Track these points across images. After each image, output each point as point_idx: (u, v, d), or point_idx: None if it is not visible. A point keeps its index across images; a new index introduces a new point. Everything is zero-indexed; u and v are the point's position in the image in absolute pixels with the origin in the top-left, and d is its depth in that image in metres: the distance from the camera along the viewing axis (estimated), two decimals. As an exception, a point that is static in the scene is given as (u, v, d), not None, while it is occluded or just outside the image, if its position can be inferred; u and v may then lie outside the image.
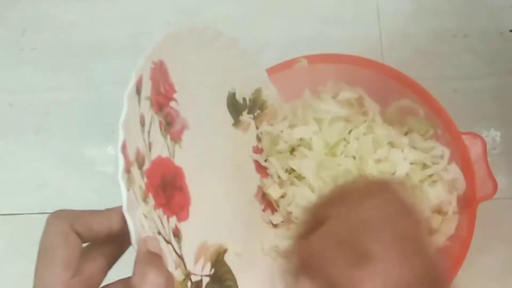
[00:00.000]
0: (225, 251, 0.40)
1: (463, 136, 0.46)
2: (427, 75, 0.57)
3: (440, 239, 0.46)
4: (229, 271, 0.40)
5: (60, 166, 0.56)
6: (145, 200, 0.29)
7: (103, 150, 0.57)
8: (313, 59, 0.49)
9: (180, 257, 0.33)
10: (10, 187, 0.56)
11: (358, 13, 0.60)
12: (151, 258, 0.23)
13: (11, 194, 0.56)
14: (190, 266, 0.34)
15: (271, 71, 0.48)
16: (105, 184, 0.55)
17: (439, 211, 0.46)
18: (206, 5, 0.61)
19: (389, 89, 0.49)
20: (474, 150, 0.45)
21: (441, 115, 0.47)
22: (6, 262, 0.54)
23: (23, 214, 0.55)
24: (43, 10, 0.62)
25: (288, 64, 0.49)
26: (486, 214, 0.54)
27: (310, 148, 0.47)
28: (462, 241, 0.44)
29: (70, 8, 0.62)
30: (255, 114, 0.48)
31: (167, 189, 0.33)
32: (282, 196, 0.47)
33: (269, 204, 0.48)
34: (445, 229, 0.46)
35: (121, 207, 0.24)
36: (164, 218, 0.31)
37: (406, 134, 0.49)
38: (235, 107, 0.45)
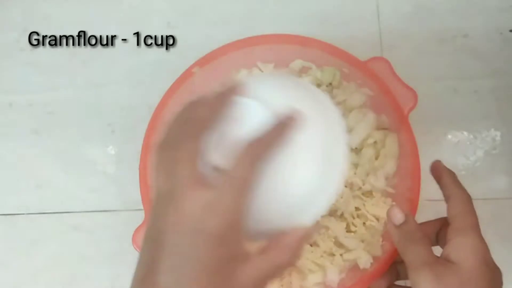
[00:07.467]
0: None
1: (368, 64, 0.48)
2: (427, 75, 0.58)
3: (389, 164, 0.48)
4: None
5: (60, 166, 0.56)
6: None
7: (103, 150, 0.57)
8: (202, 62, 0.49)
9: None
10: (10, 187, 0.56)
11: (358, 13, 0.60)
12: None
13: (11, 194, 0.56)
14: None
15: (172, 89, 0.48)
16: (105, 184, 0.55)
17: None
18: (206, 5, 0.61)
19: (283, 54, 0.51)
20: (383, 72, 0.48)
21: (339, 54, 0.49)
22: (6, 262, 0.54)
23: (22, 214, 0.54)
24: (43, 10, 0.62)
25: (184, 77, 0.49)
26: (486, 214, 0.54)
27: None
28: (410, 154, 0.46)
29: (70, 8, 0.62)
30: None
31: None
32: None
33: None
34: (388, 151, 0.48)
35: None
36: None
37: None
38: None
